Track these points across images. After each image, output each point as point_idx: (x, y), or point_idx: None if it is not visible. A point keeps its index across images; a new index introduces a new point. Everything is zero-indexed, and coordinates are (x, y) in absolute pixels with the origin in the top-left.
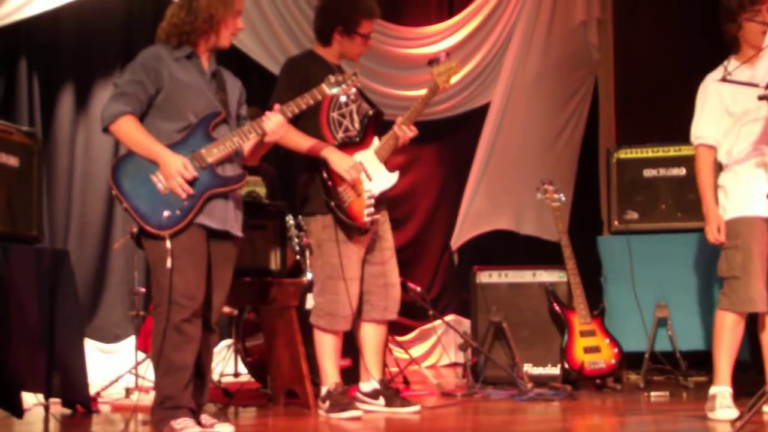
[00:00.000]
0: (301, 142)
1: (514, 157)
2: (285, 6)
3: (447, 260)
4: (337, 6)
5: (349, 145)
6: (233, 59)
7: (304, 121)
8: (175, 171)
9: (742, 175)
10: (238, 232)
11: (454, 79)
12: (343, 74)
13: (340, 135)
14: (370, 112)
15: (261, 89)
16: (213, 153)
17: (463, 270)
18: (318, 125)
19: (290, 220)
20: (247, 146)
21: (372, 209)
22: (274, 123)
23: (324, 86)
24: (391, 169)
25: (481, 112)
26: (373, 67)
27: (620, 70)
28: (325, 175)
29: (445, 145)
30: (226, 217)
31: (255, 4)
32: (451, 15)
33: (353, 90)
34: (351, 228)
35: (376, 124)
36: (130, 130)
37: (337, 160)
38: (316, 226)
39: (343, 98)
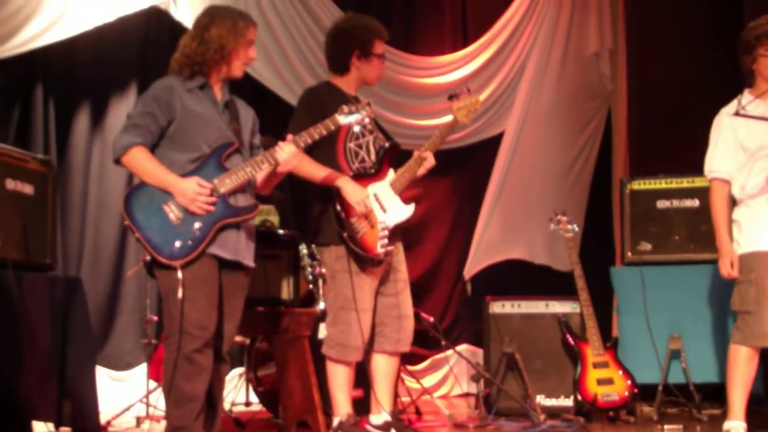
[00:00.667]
0: (316, 171)
1: (527, 187)
2: (299, 34)
3: (460, 290)
4: (350, 31)
5: (364, 176)
6: (248, 87)
7: (320, 151)
8: (193, 195)
9: (755, 209)
10: (250, 262)
11: None
12: (357, 104)
13: (356, 165)
14: (387, 144)
15: (276, 117)
16: (225, 183)
17: (476, 299)
18: (334, 155)
19: (303, 249)
20: (259, 176)
21: (386, 241)
22: (287, 153)
23: (337, 116)
24: (406, 201)
25: (495, 141)
26: (388, 97)
27: (633, 100)
28: (338, 205)
29: (459, 174)
30: (238, 247)
31: (269, 32)
32: (465, 44)
33: (367, 120)
34: (364, 259)
35: (392, 156)
36: (141, 161)
37: (351, 190)
38: (330, 256)
39: (357, 128)
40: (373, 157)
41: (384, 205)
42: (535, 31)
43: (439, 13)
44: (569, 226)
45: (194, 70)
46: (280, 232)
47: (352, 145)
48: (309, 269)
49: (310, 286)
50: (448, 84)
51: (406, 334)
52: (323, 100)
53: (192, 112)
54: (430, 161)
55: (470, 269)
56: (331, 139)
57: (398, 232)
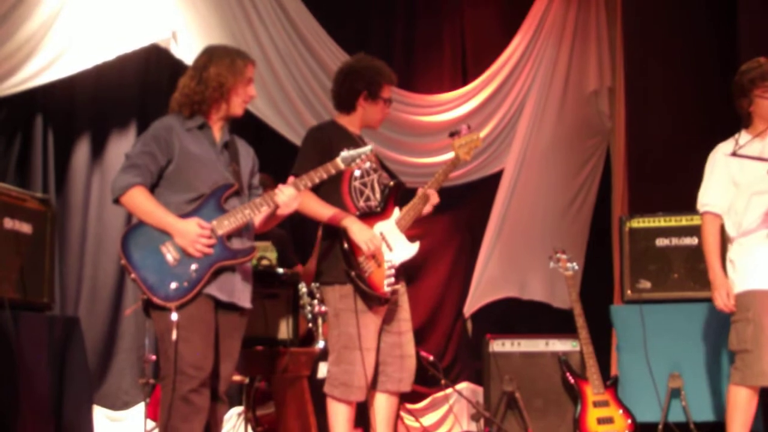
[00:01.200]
0: (321, 210)
1: (526, 225)
2: (300, 72)
3: (460, 327)
4: (360, 71)
5: (369, 215)
6: (249, 125)
7: (326, 189)
8: (194, 236)
9: (749, 247)
10: (246, 303)
11: None
12: (358, 148)
13: (362, 204)
14: (391, 183)
15: (276, 155)
16: (224, 225)
17: (477, 337)
18: (340, 194)
19: (303, 287)
20: (258, 218)
21: (392, 279)
22: (287, 196)
23: (338, 160)
24: (410, 239)
25: (495, 179)
26: (389, 135)
27: (632, 138)
28: (345, 244)
29: (459, 211)
30: (234, 288)
31: (270, 70)
32: (465, 81)
33: (367, 164)
34: (371, 298)
35: (397, 194)
36: (140, 201)
37: (358, 230)
38: (334, 295)
39: (356, 172)
40: (378, 195)
41: (390, 243)
42: (535, 68)
43: (439, 49)
44: (569, 264)
45: (194, 109)
46: (280, 271)
47: (357, 183)
48: (308, 308)
49: (309, 325)
50: (449, 122)
51: (409, 374)
52: (329, 139)
53: (190, 153)
54: (434, 199)
55: (470, 307)
56: (336, 178)
57: (402, 271)
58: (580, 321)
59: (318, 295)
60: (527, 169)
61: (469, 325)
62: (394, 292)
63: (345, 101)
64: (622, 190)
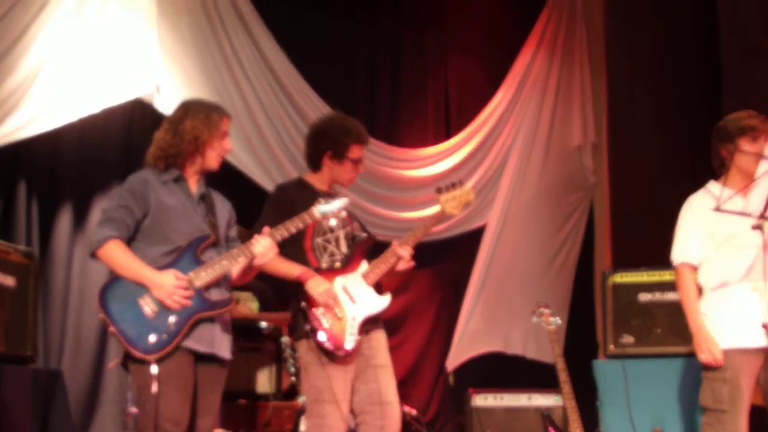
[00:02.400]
0: (282, 267)
1: (509, 280)
2: (283, 126)
3: (443, 381)
4: (326, 131)
5: (331, 270)
6: (229, 177)
7: (288, 248)
8: (171, 288)
9: (728, 300)
10: (226, 354)
11: None
12: (333, 198)
13: (326, 259)
14: (361, 236)
15: (257, 208)
16: (201, 276)
17: (460, 390)
18: (302, 251)
19: (285, 340)
20: (235, 269)
21: (355, 332)
22: (263, 246)
23: (313, 210)
24: (384, 292)
25: (477, 233)
26: (369, 188)
27: (615, 193)
28: (302, 300)
29: (442, 265)
30: (213, 339)
31: (253, 124)
32: (448, 134)
33: (343, 213)
34: (331, 352)
35: (365, 247)
36: (116, 255)
37: (312, 284)
38: (302, 349)
39: (333, 221)
40: (344, 249)
41: (354, 296)
42: (518, 122)
43: (423, 99)
44: (551, 319)
45: (169, 163)
46: (263, 324)
47: (319, 240)
48: (291, 361)
49: (293, 378)
50: (431, 177)
51: (390, 421)
52: (291, 198)
53: (165, 206)
54: (406, 254)
55: (453, 361)
56: (298, 237)
57: (378, 321)
58: (563, 376)
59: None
60: (510, 224)
61: (452, 378)
62: (359, 345)
63: (311, 160)
64: (605, 245)
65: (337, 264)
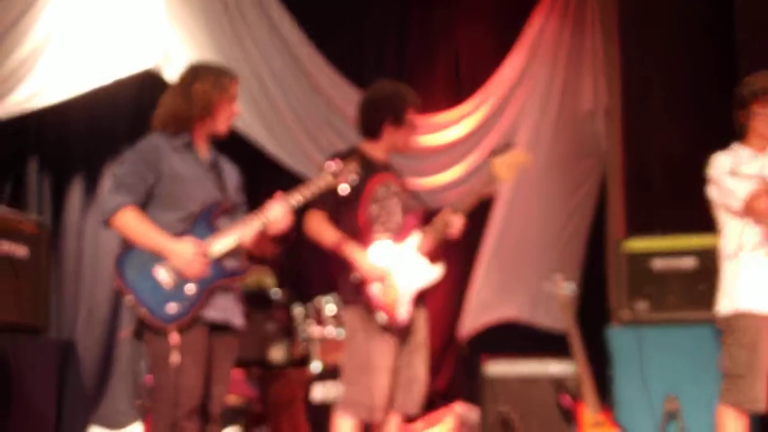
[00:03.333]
0: (325, 236)
1: (521, 247)
2: (292, 92)
3: (455, 349)
4: (383, 99)
5: (385, 239)
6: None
7: (342, 214)
8: (192, 257)
9: (747, 264)
10: (239, 322)
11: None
12: (344, 163)
13: (379, 228)
14: (414, 204)
15: (270, 178)
16: (218, 245)
17: (472, 358)
18: (355, 219)
19: (297, 309)
20: (250, 236)
21: (407, 304)
22: (278, 212)
23: (326, 173)
24: (433, 262)
25: (487, 201)
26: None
27: (628, 159)
28: (356, 272)
29: None
30: (226, 305)
31: (262, 90)
32: (459, 101)
33: (353, 177)
34: (381, 322)
35: (419, 216)
36: (133, 223)
37: (361, 260)
38: (350, 315)
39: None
40: (396, 218)
41: (405, 268)
42: (529, 89)
43: (432, 67)
44: (566, 285)
45: (179, 127)
46: (273, 293)
47: (374, 207)
48: (303, 330)
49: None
50: (443, 146)
51: (413, 397)
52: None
53: (177, 172)
54: (458, 225)
55: (465, 330)
56: (352, 203)
57: (423, 296)
58: (576, 344)
59: (312, 317)
60: (522, 191)
61: (464, 347)
62: (410, 317)
63: (370, 128)
64: (618, 211)
65: (390, 233)
